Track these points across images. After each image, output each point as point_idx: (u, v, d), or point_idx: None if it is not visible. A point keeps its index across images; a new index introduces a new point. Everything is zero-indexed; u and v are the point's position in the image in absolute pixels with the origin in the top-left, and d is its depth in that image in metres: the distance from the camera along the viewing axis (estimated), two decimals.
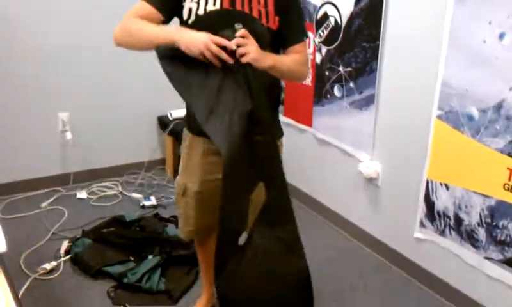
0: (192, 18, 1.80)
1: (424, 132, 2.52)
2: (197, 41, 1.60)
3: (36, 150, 3.46)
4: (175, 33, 1.67)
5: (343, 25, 2.93)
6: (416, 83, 2.55)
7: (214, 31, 1.64)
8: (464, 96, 2.30)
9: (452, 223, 2.47)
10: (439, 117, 2.44)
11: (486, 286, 2.34)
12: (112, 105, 3.66)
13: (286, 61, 1.83)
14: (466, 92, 2.29)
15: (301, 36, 1.89)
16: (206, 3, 1.77)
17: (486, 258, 2.33)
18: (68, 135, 3.52)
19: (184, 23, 1.83)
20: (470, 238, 2.39)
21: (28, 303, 2.41)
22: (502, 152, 2.18)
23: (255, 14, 1.79)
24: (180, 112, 3.73)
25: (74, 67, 3.46)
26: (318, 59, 3.15)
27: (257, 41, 1.66)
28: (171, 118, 3.76)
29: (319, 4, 3.07)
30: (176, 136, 3.67)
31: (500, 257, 2.26)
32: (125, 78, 3.65)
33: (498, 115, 2.18)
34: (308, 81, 3.24)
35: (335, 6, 2.96)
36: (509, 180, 2.17)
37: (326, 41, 3.07)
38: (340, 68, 3.01)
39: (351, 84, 2.94)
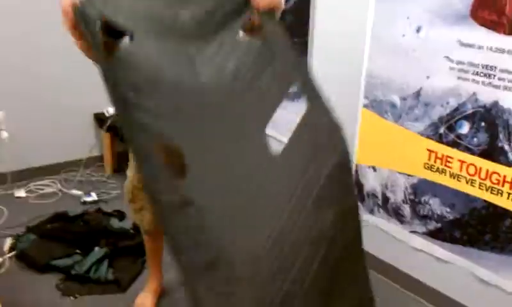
0: None
1: (352, 121, 2.73)
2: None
3: None
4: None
5: None
6: (344, 76, 2.75)
7: None
8: (387, 85, 2.54)
9: (380, 202, 2.70)
10: (365, 106, 2.67)
11: (412, 257, 2.59)
12: (48, 103, 3.65)
13: None
14: (389, 82, 2.53)
15: None
16: None
17: (411, 231, 2.57)
18: (4, 134, 3.49)
19: None
20: (397, 214, 2.63)
21: None
22: (421, 135, 2.43)
23: None
24: None
25: (7, 65, 3.43)
26: None
27: None
28: (108, 115, 3.80)
29: None
30: (114, 132, 3.72)
31: (424, 230, 2.51)
32: (61, 76, 3.65)
33: (417, 101, 2.42)
34: None
35: None
36: (429, 159, 2.42)
37: None
38: None
39: None
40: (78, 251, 2.73)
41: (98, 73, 1.64)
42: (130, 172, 2.19)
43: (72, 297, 2.49)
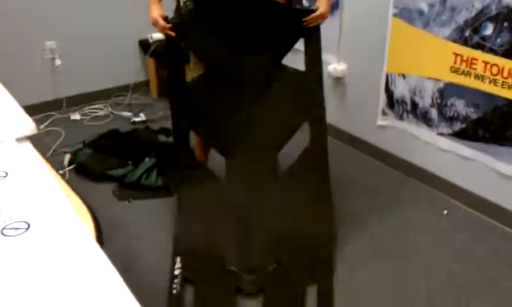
0: None
1: (383, 30, 2.83)
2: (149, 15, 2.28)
3: (29, 78, 3.68)
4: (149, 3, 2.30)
5: None
6: None
7: None
8: None
9: (408, 108, 2.83)
10: (394, 15, 2.76)
11: (439, 158, 2.74)
12: (96, 32, 3.88)
13: None
14: None
15: None
16: None
17: (439, 133, 2.71)
18: (57, 62, 3.76)
19: None
20: (425, 118, 2.75)
21: None
22: (448, 39, 2.51)
23: None
24: (160, 34, 3.97)
25: None
26: None
27: None
28: (151, 41, 3.99)
29: None
30: (158, 57, 3.93)
31: (450, 131, 2.64)
32: (107, 4, 3.86)
33: (444, 7, 2.50)
34: None
35: None
36: (455, 63, 2.52)
37: None
38: None
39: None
40: (130, 162, 2.99)
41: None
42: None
43: (126, 202, 2.78)
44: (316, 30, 2.32)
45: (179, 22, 2.28)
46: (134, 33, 4.06)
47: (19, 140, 1.73)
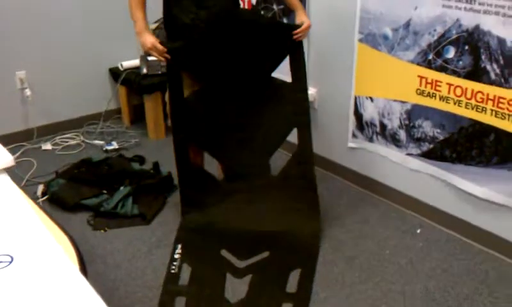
0: None
1: (350, 54, 2.92)
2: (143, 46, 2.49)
3: (0, 109, 3.68)
4: (138, 31, 2.50)
5: None
6: (340, 13, 2.93)
7: None
8: (380, 19, 2.71)
9: (378, 130, 2.91)
10: (360, 40, 2.85)
11: (409, 178, 2.81)
12: (66, 61, 3.89)
13: None
14: (381, 15, 2.70)
15: None
16: None
17: (408, 154, 2.79)
18: (27, 92, 3.75)
19: None
20: (394, 140, 2.84)
21: None
22: (412, 62, 2.61)
23: None
24: (130, 62, 4.01)
25: (26, 27, 3.65)
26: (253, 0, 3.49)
27: None
28: (122, 69, 4.01)
29: None
30: (129, 85, 3.95)
31: (418, 151, 2.73)
32: (76, 35, 3.88)
33: (407, 32, 2.60)
34: None
35: None
36: (420, 85, 2.61)
37: None
38: (274, 6, 3.36)
39: (284, 21, 3.30)
40: (104, 191, 3.00)
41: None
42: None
43: (102, 230, 2.77)
44: (300, 45, 2.63)
45: (174, 47, 2.50)
46: (104, 61, 4.08)
47: None
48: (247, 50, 2.59)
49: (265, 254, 2.52)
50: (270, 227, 2.67)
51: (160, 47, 2.46)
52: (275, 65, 2.70)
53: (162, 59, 2.50)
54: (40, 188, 3.12)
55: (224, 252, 2.54)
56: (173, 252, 2.56)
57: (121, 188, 2.98)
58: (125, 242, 2.67)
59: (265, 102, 2.71)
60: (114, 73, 4.09)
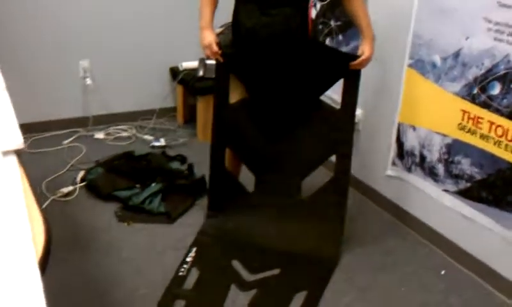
0: None
1: (398, 79, 2.80)
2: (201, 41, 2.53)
3: (60, 94, 3.86)
4: (201, 26, 2.53)
5: None
6: (392, 36, 2.81)
7: None
8: (430, 45, 2.58)
9: (417, 161, 2.77)
10: (410, 65, 2.72)
11: (442, 215, 2.65)
12: (129, 55, 4.01)
13: (365, 17, 2.54)
14: (431, 42, 2.57)
15: None
16: None
17: (444, 190, 2.63)
18: (88, 81, 3.91)
19: None
20: (431, 173, 2.68)
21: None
22: (457, 95, 2.46)
23: None
24: (189, 63, 4.07)
25: (93, 19, 3.81)
26: (313, 14, 3.44)
27: (293, 0, 2.44)
28: (181, 69, 4.09)
29: None
30: (186, 85, 4.02)
31: (455, 189, 2.56)
32: (141, 31, 3.99)
33: (456, 62, 2.45)
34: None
35: None
36: (463, 120, 2.45)
37: None
38: (332, 22, 3.29)
39: (340, 37, 3.23)
40: (138, 185, 3.05)
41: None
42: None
43: (126, 224, 2.82)
44: (357, 74, 2.54)
45: (229, 52, 2.54)
46: (166, 60, 4.17)
47: (5, 153, 1.78)
48: (300, 69, 2.55)
49: (276, 271, 2.46)
50: (288, 246, 2.61)
51: (215, 48, 2.48)
52: (327, 88, 2.67)
53: (214, 59, 2.52)
54: (80, 174, 3.23)
55: (236, 263, 2.51)
56: (186, 255, 2.56)
57: (153, 184, 3.02)
58: (145, 238, 2.71)
59: (309, 124, 2.64)
60: (174, 72, 4.17)
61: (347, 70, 2.51)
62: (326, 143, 2.65)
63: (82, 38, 3.82)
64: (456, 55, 2.45)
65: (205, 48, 2.49)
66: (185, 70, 4.07)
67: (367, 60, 2.49)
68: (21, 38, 3.63)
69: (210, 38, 2.47)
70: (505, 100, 2.23)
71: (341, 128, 2.60)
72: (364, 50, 2.49)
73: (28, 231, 1.30)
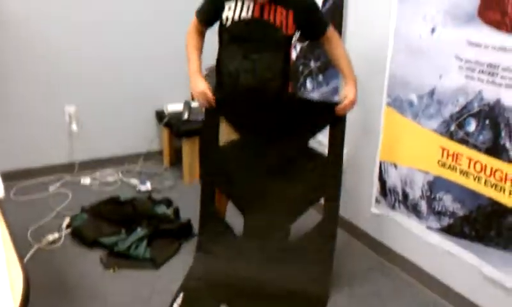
0: (229, 23, 2.41)
1: (377, 118, 2.84)
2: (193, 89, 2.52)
3: (46, 140, 3.87)
4: (191, 74, 2.53)
5: None
6: (370, 75, 2.86)
7: (246, 34, 2.40)
8: (406, 84, 2.63)
9: (400, 198, 2.79)
10: (388, 104, 2.77)
11: (427, 252, 2.65)
12: (114, 100, 4.05)
13: (347, 63, 2.57)
14: (408, 81, 2.62)
15: (325, 26, 2.53)
16: (241, 12, 2.37)
17: (428, 227, 2.64)
18: (74, 127, 3.93)
19: (222, 26, 2.46)
20: (415, 210, 2.70)
21: (31, 268, 2.77)
22: (435, 132, 2.50)
23: (278, 23, 2.38)
24: (175, 106, 4.12)
25: (79, 64, 3.86)
26: (294, 55, 3.50)
27: (275, 45, 2.45)
28: (166, 112, 4.13)
29: None
30: (171, 128, 4.05)
31: (438, 226, 2.58)
32: (126, 75, 4.04)
33: (431, 100, 2.50)
34: None
35: None
36: (442, 156, 2.49)
37: (300, 39, 3.41)
38: (311, 63, 3.35)
39: (320, 78, 3.28)
40: (123, 230, 3.04)
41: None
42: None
43: (112, 270, 2.80)
44: (342, 120, 2.59)
45: (222, 99, 2.56)
46: (151, 103, 4.21)
47: None
48: (287, 119, 2.60)
49: None
50: (276, 288, 2.59)
51: (210, 94, 2.49)
52: (314, 134, 2.72)
53: (206, 105, 2.54)
54: (66, 221, 3.22)
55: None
56: (173, 301, 2.53)
57: (138, 229, 3.01)
58: (130, 285, 2.68)
59: (297, 168, 2.67)
60: (160, 115, 4.21)
61: (333, 117, 2.56)
62: (314, 187, 2.67)
63: (67, 84, 3.86)
64: (431, 93, 2.50)
65: (198, 95, 2.50)
66: (170, 112, 4.11)
67: (352, 103, 2.52)
68: (6, 85, 3.67)
69: (203, 85, 2.49)
70: (481, 137, 2.27)
71: (329, 173, 2.64)
72: (347, 93, 2.52)
73: (6, 280, 1.30)
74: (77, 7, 3.77)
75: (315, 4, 2.57)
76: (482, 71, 2.22)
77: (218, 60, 2.63)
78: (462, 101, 2.33)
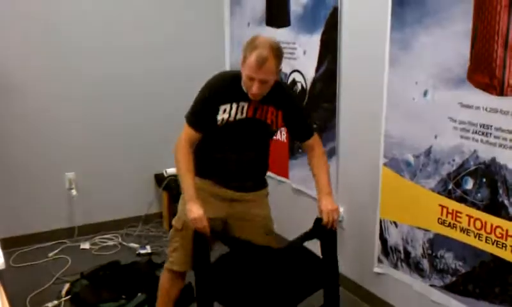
0: (224, 123, 2.41)
1: (375, 177, 2.88)
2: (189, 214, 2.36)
3: (46, 206, 3.89)
4: (187, 199, 2.38)
5: (308, 88, 3.37)
6: (367, 136, 2.93)
7: (241, 132, 2.43)
8: (402, 145, 2.69)
9: (402, 257, 2.79)
10: (385, 164, 2.82)
11: None
12: (114, 165, 4.10)
13: (325, 175, 2.52)
14: (403, 141, 2.68)
15: (310, 132, 2.55)
16: (236, 114, 2.39)
17: (431, 285, 2.64)
18: (74, 192, 3.95)
19: (216, 127, 2.42)
20: (417, 268, 2.70)
21: None
22: (434, 191, 2.53)
23: (268, 121, 2.46)
24: (173, 170, 4.14)
25: (78, 134, 3.94)
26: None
27: (266, 136, 2.57)
28: (166, 175, 4.17)
29: (288, 72, 3.52)
30: (170, 191, 4.07)
31: (441, 283, 2.57)
32: (125, 141, 4.11)
33: (428, 159, 2.55)
34: (284, 138, 3.65)
35: (301, 73, 3.42)
36: (441, 214, 2.51)
37: None
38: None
39: None
40: (123, 296, 3.02)
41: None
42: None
43: None
44: (332, 233, 2.47)
45: (216, 231, 2.46)
46: (151, 167, 4.25)
47: None
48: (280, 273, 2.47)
49: None
50: None
51: (205, 222, 2.35)
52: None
53: (199, 230, 2.40)
54: (65, 287, 3.19)
55: None
56: None
57: (139, 294, 2.99)
58: None
59: (294, 271, 2.50)
60: (159, 178, 4.24)
61: (322, 232, 2.46)
62: (311, 283, 2.52)
63: (67, 151, 3.92)
64: (428, 152, 2.55)
65: (193, 220, 2.37)
66: (169, 176, 4.14)
67: (335, 211, 2.43)
68: (6, 152, 3.73)
69: (199, 211, 2.35)
70: (479, 194, 2.31)
71: (326, 274, 2.53)
72: (328, 205, 2.43)
73: None
74: (75, 77, 3.88)
75: (304, 111, 2.67)
76: (476, 132, 2.28)
77: (202, 147, 2.53)
78: (458, 160, 2.38)
